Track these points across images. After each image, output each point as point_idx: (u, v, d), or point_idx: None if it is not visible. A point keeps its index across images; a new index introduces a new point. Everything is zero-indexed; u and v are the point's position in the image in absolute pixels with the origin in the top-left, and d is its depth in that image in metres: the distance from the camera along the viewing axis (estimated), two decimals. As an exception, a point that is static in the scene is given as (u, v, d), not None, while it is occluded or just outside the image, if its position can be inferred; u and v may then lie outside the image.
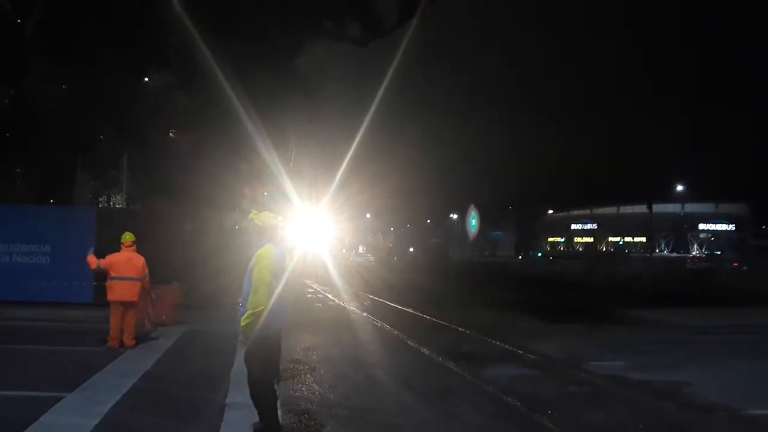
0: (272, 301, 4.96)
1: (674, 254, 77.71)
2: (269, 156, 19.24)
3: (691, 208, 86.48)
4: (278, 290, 5.04)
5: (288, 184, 20.25)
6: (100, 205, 31.37)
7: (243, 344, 5.10)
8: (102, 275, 9.95)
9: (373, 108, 21.07)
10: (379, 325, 13.17)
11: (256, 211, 5.42)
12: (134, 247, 9.56)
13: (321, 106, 24.86)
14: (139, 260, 9.45)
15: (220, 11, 18.74)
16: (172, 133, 20.84)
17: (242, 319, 4.94)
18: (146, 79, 20.97)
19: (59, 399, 6.04)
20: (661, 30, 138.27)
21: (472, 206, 36.31)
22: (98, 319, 12.18)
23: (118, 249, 9.55)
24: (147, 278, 9.49)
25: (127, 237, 9.53)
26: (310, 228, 24.09)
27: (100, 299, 13.99)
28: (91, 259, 9.38)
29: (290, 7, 20.63)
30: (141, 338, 9.69)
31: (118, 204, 36.45)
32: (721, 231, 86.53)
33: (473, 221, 33.75)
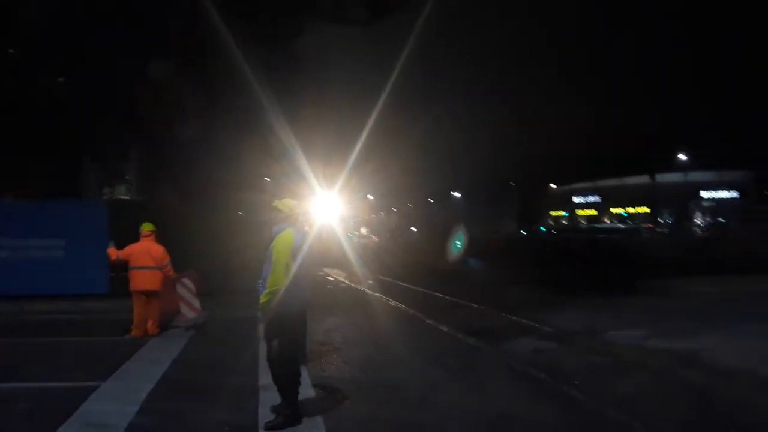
0: (289, 280, 5.18)
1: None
2: (281, 136, 19.27)
3: (694, 176, 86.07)
4: (295, 270, 5.24)
5: (303, 164, 20.32)
6: (104, 197, 31.40)
7: (262, 321, 5.34)
8: (121, 266, 10.07)
9: (385, 90, 20.99)
10: (393, 305, 13.29)
11: (278, 200, 5.57)
12: (153, 237, 9.64)
13: (325, 88, 24.80)
14: (158, 249, 9.53)
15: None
16: (179, 119, 20.82)
17: (261, 298, 5.21)
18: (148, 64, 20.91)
19: (95, 388, 6.16)
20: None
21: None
22: (115, 309, 12.32)
23: (130, 240, 9.66)
24: (168, 266, 9.56)
25: (146, 227, 9.61)
26: (324, 209, 24.06)
27: (114, 289, 14.23)
28: (111, 251, 9.49)
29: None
30: (163, 326, 9.81)
31: (122, 195, 36.49)
32: (725, 199, 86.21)
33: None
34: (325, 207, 25.33)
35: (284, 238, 5.24)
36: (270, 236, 5.52)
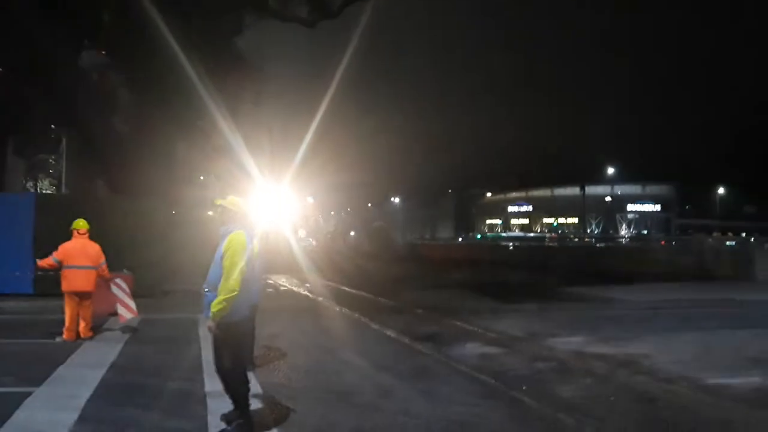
0: (244, 286, 4.91)
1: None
2: (224, 133, 18.83)
3: (620, 189, 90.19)
4: (248, 275, 4.99)
5: (245, 161, 19.88)
6: (26, 190, 29.74)
7: (213, 331, 4.98)
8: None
9: (327, 94, 20.94)
10: (338, 309, 13.17)
11: (222, 198, 5.30)
12: (87, 234, 9.15)
13: (267, 85, 24.42)
14: (94, 247, 9.06)
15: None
16: (112, 114, 20.00)
17: (213, 305, 4.81)
18: (81, 55, 19.99)
19: (28, 394, 5.76)
20: (593, 15, 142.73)
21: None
22: (41, 310, 11.71)
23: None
24: (104, 265, 9.09)
25: (81, 224, 9.10)
26: (270, 209, 23.47)
27: (40, 289, 13.44)
28: (43, 262, 8.90)
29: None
30: (97, 329, 9.33)
31: (46, 189, 34.66)
32: (648, 212, 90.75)
33: None
34: (271, 206, 24.79)
35: (238, 240, 4.92)
36: (217, 237, 5.23)
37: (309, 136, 22.89)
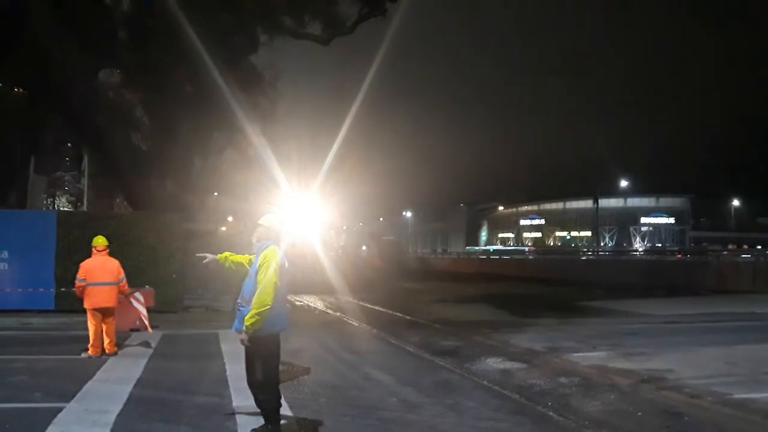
0: (277, 301, 5.01)
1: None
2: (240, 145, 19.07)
3: (633, 202, 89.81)
4: (282, 290, 5.10)
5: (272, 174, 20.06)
6: (44, 208, 30.14)
7: (246, 344, 5.06)
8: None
9: (353, 112, 21.22)
10: (357, 324, 13.20)
11: (263, 217, 5.46)
12: (107, 251, 9.28)
13: (284, 101, 24.66)
14: (113, 263, 9.16)
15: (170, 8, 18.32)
16: (130, 131, 20.29)
17: (246, 318, 4.92)
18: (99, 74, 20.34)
19: (59, 410, 5.82)
20: (603, 26, 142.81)
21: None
22: (64, 326, 11.83)
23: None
24: (124, 281, 9.19)
25: (100, 241, 9.23)
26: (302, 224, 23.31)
27: (61, 305, 13.60)
28: (77, 290, 9.04)
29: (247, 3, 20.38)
30: (120, 345, 9.42)
31: (63, 206, 35.09)
32: (662, 224, 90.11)
33: None
34: (303, 221, 24.64)
35: (273, 255, 5.06)
36: (252, 253, 5.40)
37: (332, 154, 23.05)
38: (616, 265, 32.66)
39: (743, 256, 30.08)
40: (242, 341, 5.00)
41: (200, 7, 18.07)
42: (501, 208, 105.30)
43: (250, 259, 5.39)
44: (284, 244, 5.47)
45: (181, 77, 19.61)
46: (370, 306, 17.18)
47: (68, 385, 6.84)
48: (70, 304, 13.44)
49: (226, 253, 5.80)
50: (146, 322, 10.77)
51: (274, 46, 22.78)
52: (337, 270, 24.55)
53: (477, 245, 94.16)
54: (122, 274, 9.17)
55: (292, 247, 6.85)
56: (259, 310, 4.87)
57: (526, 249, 73.77)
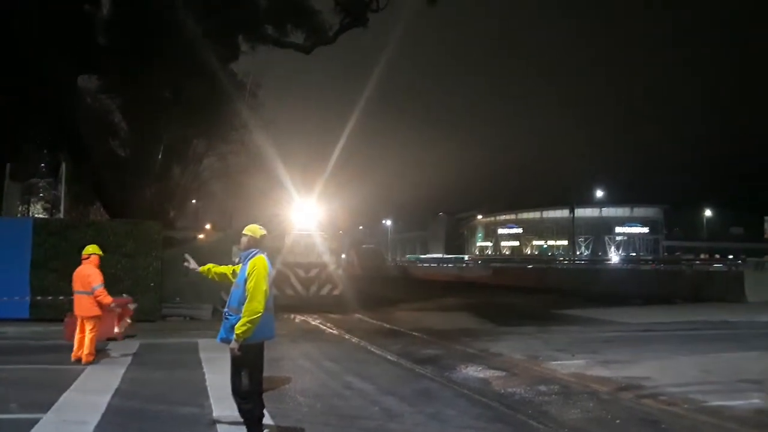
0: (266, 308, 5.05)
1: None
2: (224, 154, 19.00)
3: (608, 212, 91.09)
4: (269, 298, 5.12)
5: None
6: (19, 215, 29.59)
7: (235, 353, 5.05)
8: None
9: (335, 121, 21.27)
10: (336, 333, 13.17)
11: (247, 227, 5.50)
12: (91, 259, 9.17)
13: (262, 110, 24.63)
14: (84, 273, 9.03)
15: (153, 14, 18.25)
16: (109, 139, 20.09)
17: (237, 327, 4.93)
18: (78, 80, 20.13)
19: (35, 421, 5.75)
20: (581, 37, 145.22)
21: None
22: (39, 336, 11.66)
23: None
24: (97, 290, 8.98)
25: (87, 249, 9.15)
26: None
27: (36, 314, 13.38)
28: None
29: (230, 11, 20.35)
30: (98, 354, 9.28)
31: (38, 213, 34.46)
32: (636, 234, 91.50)
33: None
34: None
35: (261, 263, 5.10)
36: (236, 262, 5.43)
37: (314, 163, 23.07)
38: (592, 274, 33.02)
39: (716, 265, 30.59)
40: (232, 350, 4.99)
41: (181, 14, 18.02)
42: (480, 216, 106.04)
43: (233, 270, 5.39)
44: (266, 252, 5.50)
45: (160, 84, 19.50)
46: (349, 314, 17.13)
47: (45, 395, 6.75)
48: (45, 312, 13.27)
49: (209, 265, 5.80)
50: (117, 329, 10.78)
51: (256, 55, 22.80)
52: None
53: (461, 253, 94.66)
54: (94, 284, 8.94)
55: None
56: (250, 318, 4.89)
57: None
